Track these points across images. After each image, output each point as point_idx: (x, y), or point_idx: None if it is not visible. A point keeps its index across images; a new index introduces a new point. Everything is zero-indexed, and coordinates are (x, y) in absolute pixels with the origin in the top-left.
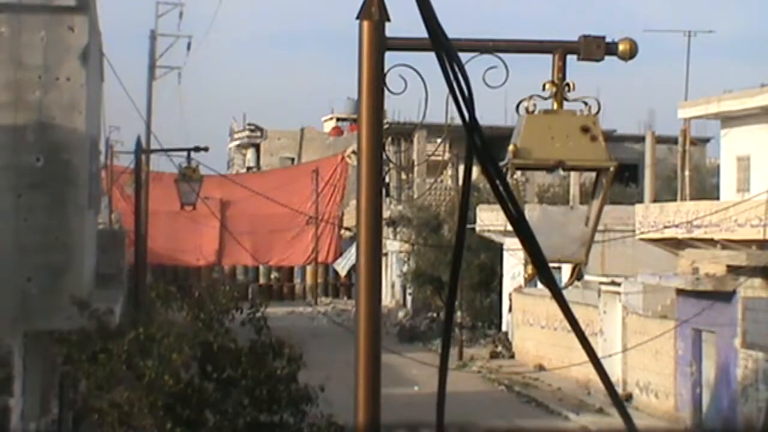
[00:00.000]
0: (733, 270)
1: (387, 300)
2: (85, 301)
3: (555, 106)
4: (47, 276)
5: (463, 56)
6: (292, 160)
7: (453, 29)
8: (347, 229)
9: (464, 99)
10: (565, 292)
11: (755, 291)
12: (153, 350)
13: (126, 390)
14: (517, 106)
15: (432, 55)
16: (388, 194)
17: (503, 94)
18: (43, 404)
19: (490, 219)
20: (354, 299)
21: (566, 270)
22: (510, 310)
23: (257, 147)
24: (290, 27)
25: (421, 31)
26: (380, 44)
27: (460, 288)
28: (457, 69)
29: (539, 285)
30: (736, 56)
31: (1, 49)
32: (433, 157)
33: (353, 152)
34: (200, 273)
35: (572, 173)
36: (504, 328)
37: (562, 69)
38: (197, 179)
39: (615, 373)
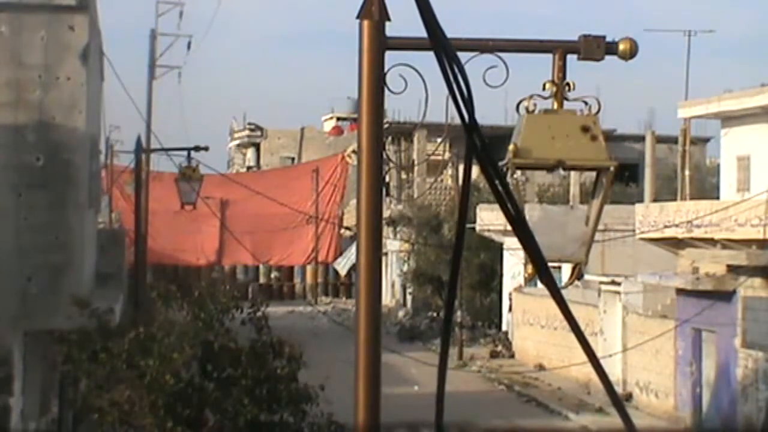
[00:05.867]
0: (733, 270)
1: (387, 299)
2: (85, 300)
3: (555, 106)
4: (47, 275)
5: (464, 56)
6: (293, 159)
7: (453, 29)
8: (347, 228)
9: (464, 99)
10: (565, 292)
11: (755, 291)
12: (153, 349)
13: (126, 389)
14: (518, 105)
15: (432, 54)
16: (388, 194)
17: (503, 93)
18: (43, 403)
19: (490, 218)
20: (354, 299)
21: (566, 270)
22: (510, 309)
23: (257, 146)
24: (290, 26)
25: (421, 31)
26: (380, 44)
27: (459, 287)
28: (456, 69)
29: (539, 284)
30: (736, 56)
31: (2, 49)
32: (433, 157)
33: (353, 152)
34: (200, 272)
35: (572, 173)
36: (504, 327)
37: (563, 68)
38: (197, 179)
39: (615, 372)
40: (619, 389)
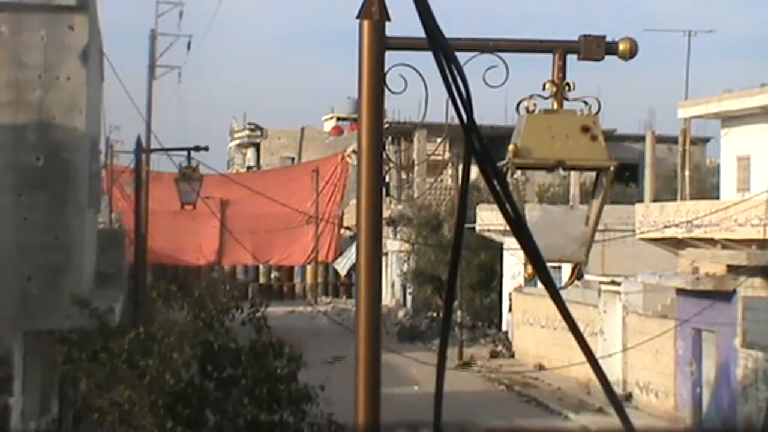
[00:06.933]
0: (733, 269)
1: (387, 299)
2: (86, 300)
3: (555, 106)
4: (47, 275)
5: (464, 56)
6: (293, 159)
7: (453, 29)
8: (347, 228)
9: (462, 100)
10: (565, 292)
11: (755, 291)
12: (154, 349)
13: (126, 389)
14: (518, 105)
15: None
16: (388, 194)
17: (503, 93)
18: (43, 403)
19: (490, 218)
20: (354, 299)
21: (566, 270)
22: (510, 309)
23: (257, 146)
24: (290, 26)
25: (421, 31)
26: (380, 44)
27: (459, 287)
28: (455, 70)
29: (539, 285)
30: (736, 56)
31: (2, 49)
32: (433, 157)
33: (353, 152)
34: (200, 272)
35: (572, 173)
36: (504, 327)
37: (563, 68)
38: (197, 179)
39: (615, 372)
40: (619, 389)
